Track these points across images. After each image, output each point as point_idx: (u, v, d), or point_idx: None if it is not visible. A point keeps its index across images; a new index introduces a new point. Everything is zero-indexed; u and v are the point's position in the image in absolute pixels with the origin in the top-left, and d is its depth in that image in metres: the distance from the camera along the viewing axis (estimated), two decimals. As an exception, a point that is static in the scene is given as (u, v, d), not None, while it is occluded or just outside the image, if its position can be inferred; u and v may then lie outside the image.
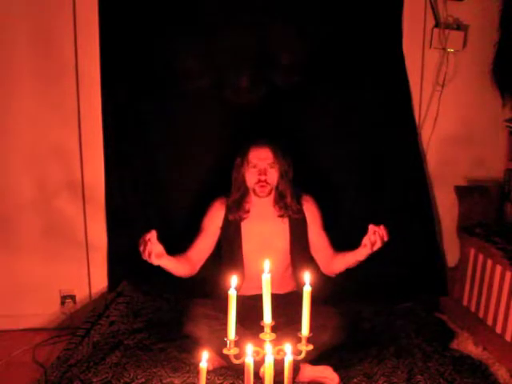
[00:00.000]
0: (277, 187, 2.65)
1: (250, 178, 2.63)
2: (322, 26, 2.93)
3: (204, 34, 2.90)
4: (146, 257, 2.30)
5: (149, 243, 2.28)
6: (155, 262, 2.33)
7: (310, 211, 2.70)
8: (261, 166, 2.59)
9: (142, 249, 2.29)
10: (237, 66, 2.94)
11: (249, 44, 2.92)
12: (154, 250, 2.30)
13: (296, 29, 2.93)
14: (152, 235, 2.29)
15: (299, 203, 2.68)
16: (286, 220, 2.67)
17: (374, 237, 2.32)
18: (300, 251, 2.67)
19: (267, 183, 2.60)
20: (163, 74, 2.94)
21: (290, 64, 2.95)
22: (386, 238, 2.32)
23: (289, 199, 2.65)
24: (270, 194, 2.65)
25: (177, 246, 2.53)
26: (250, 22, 2.91)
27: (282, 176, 2.63)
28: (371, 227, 2.32)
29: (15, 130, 2.96)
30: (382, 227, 2.31)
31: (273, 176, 2.61)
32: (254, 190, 2.64)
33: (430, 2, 2.95)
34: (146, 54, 2.91)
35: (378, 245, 2.33)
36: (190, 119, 2.97)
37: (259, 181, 2.60)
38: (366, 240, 2.35)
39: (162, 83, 2.94)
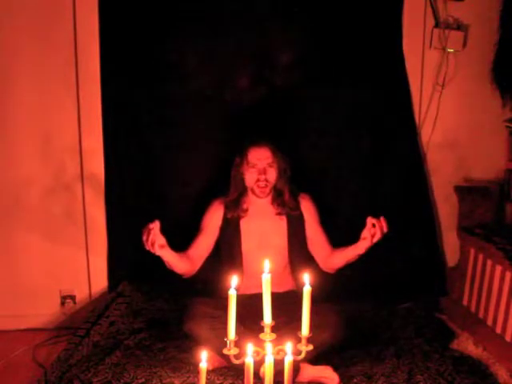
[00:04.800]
0: (275, 185, 2.66)
1: (250, 177, 2.64)
2: (322, 26, 2.93)
3: (204, 33, 2.91)
4: (149, 246, 2.29)
5: (152, 232, 2.28)
6: (158, 252, 2.32)
7: (307, 208, 2.72)
8: (260, 166, 2.61)
9: (145, 238, 2.29)
10: (237, 65, 2.95)
11: (249, 44, 2.93)
12: (156, 240, 2.30)
13: (296, 29, 2.93)
14: (155, 225, 2.29)
15: (296, 201, 2.70)
16: (284, 218, 2.68)
17: (374, 229, 2.32)
18: (298, 249, 2.68)
19: (267, 182, 2.61)
20: (163, 73, 2.94)
21: (290, 64, 2.96)
22: (385, 229, 2.32)
23: (287, 196, 2.67)
24: (269, 194, 2.66)
25: (177, 245, 2.52)
26: (250, 21, 2.91)
27: (280, 174, 2.65)
28: (369, 220, 2.33)
29: (14, 128, 2.95)
30: (382, 219, 2.32)
31: (272, 175, 2.63)
32: (252, 190, 2.65)
33: (430, 2, 2.95)
34: (146, 53, 2.92)
35: (378, 236, 2.33)
36: (190, 118, 2.97)
37: (258, 180, 2.61)
38: (365, 233, 2.35)
39: (162, 82, 2.94)
